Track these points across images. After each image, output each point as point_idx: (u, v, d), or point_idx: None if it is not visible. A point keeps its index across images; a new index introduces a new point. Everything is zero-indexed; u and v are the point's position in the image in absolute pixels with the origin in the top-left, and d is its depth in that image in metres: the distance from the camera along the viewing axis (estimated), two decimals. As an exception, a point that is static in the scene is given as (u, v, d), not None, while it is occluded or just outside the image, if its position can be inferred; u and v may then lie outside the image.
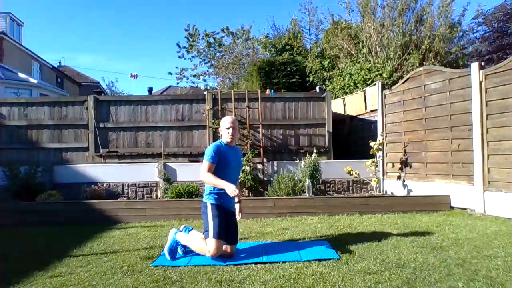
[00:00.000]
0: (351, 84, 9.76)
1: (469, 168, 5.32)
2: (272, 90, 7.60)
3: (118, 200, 6.39)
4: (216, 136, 7.32)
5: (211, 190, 3.31)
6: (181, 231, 3.38)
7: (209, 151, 3.27)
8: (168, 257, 3.20)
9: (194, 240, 3.25)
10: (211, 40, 18.88)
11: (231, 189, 3.06)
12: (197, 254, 3.27)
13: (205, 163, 3.25)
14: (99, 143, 7.37)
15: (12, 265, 3.19)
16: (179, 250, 3.33)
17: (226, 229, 3.22)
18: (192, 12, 60.97)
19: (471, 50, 11.64)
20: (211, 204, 3.27)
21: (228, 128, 3.35)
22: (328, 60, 11.84)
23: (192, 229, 3.46)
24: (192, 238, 3.29)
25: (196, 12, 61.16)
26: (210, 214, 3.22)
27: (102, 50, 72.78)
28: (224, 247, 3.18)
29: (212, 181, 3.19)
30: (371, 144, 6.49)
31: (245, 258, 3.15)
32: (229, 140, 3.37)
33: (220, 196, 3.28)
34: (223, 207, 3.30)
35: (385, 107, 6.97)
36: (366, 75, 9.41)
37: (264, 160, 7.16)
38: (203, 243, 3.18)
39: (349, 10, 11.48)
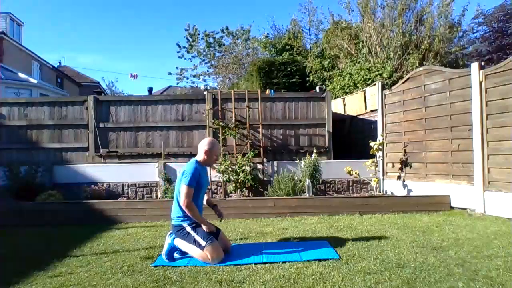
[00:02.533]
0: (351, 84, 9.76)
1: (469, 168, 5.32)
2: (272, 90, 7.60)
3: (118, 200, 6.39)
4: (216, 136, 7.32)
5: (181, 217, 3.25)
6: (168, 234, 3.36)
7: (189, 174, 3.18)
8: (165, 259, 3.18)
9: (195, 248, 3.19)
10: (211, 40, 18.91)
11: (211, 229, 3.22)
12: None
13: (186, 188, 3.15)
14: (99, 143, 7.37)
15: (12, 265, 3.19)
16: (176, 254, 3.31)
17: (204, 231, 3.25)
18: (192, 12, 60.93)
19: (471, 50, 11.63)
20: (188, 224, 3.23)
21: (218, 155, 3.40)
22: (328, 60, 11.85)
23: None
24: (192, 246, 3.22)
25: (196, 12, 61.15)
26: (191, 231, 3.19)
27: (102, 50, 72.84)
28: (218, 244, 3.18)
29: (194, 215, 3.17)
30: (371, 144, 6.49)
31: (245, 258, 3.15)
32: (211, 165, 3.45)
33: (190, 218, 3.27)
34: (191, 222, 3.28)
35: (385, 107, 6.97)
36: (366, 75, 9.41)
37: (264, 160, 7.15)
38: (203, 253, 3.13)
39: (349, 10, 11.49)
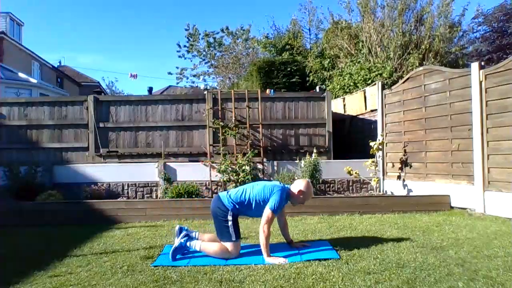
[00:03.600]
0: (351, 84, 9.76)
1: (469, 168, 5.32)
2: (272, 90, 7.60)
3: (118, 200, 6.39)
4: (216, 136, 7.32)
5: (237, 202, 3.29)
6: (183, 234, 3.38)
7: (278, 200, 3.20)
8: (170, 257, 3.17)
9: (212, 247, 3.28)
10: (211, 40, 18.91)
11: (269, 260, 3.11)
12: (197, 256, 3.28)
13: (270, 213, 3.17)
14: (99, 143, 7.37)
15: (12, 265, 3.19)
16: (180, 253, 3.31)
17: (238, 228, 3.33)
18: (192, 12, 60.89)
19: (471, 50, 11.63)
20: (232, 214, 3.27)
21: (306, 200, 3.44)
22: (328, 60, 11.84)
23: (187, 229, 3.47)
24: (210, 245, 3.31)
25: (196, 12, 61.11)
26: (230, 222, 3.24)
27: (102, 50, 72.83)
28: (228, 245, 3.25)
29: (264, 240, 3.15)
30: (371, 144, 6.49)
31: (245, 258, 3.15)
32: (295, 204, 3.46)
33: (238, 212, 3.33)
34: (235, 216, 3.33)
35: (385, 107, 6.97)
36: (366, 75, 9.41)
37: (264, 160, 7.15)
38: (222, 247, 3.23)
39: (349, 10, 11.50)
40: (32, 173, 6.53)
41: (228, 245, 3.20)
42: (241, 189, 3.43)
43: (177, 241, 3.31)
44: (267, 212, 3.20)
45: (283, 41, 14.63)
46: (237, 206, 3.29)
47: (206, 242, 3.37)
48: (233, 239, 3.20)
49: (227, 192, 3.42)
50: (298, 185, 3.41)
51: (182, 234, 3.39)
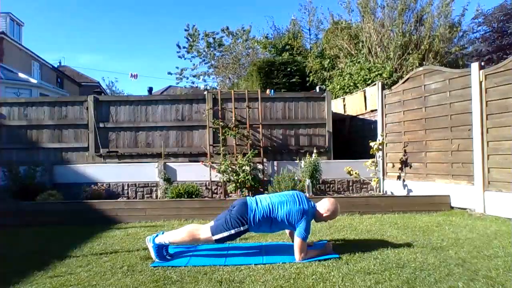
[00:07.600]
0: (351, 84, 9.76)
1: (469, 168, 5.32)
2: (272, 90, 7.59)
3: (118, 200, 6.39)
4: (216, 136, 7.32)
5: (262, 215, 3.14)
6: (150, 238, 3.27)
7: (306, 228, 3.10)
8: (160, 261, 3.11)
9: (178, 231, 3.22)
10: (211, 40, 18.91)
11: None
12: (197, 256, 3.28)
13: (300, 242, 3.07)
14: (99, 143, 7.36)
15: (12, 265, 3.19)
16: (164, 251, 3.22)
17: (227, 240, 3.23)
18: (192, 12, 61.04)
19: (471, 50, 11.62)
20: (246, 228, 3.15)
21: (333, 218, 3.44)
22: (328, 60, 11.84)
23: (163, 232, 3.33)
24: (174, 231, 3.25)
25: (196, 12, 61.21)
26: (236, 229, 3.12)
27: (102, 50, 72.87)
28: (208, 236, 3.17)
29: (310, 257, 3.08)
30: (371, 144, 6.49)
31: (245, 258, 3.14)
32: (317, 221, 3.40)
33: (255, 229, 3.24)
34: (244, 232, 3.22)
35: (385, 107, 6.97)
36: (366, 75, 9.41)
37: (264, 160, 7.15)
38: (191, 232, 3.19)
39: (349, 10, 11.50)
40: (32, 173, 6.52)
41: (207, 232, 3.12)
42: (270, 200, 3.26)
43: (150, 248, 3.19)
44: (297, 241, 3.08)
45: (283, 41, 14.63)
46: (260, 221, 3.13)
47: (170, 232, 3.26)
48: (216, 236, 3.10)
49: (256, 204, 3.20)
50: (325, 205, 3.33)
51: (146, 241, 3.28)
